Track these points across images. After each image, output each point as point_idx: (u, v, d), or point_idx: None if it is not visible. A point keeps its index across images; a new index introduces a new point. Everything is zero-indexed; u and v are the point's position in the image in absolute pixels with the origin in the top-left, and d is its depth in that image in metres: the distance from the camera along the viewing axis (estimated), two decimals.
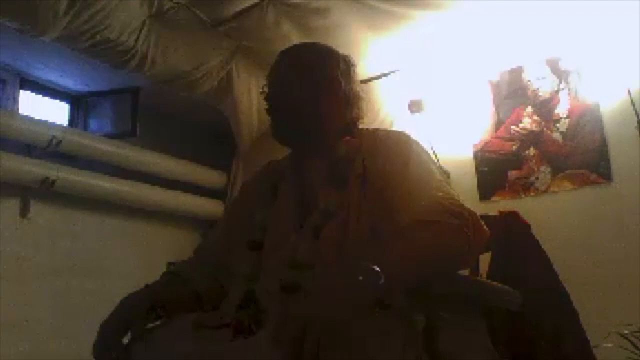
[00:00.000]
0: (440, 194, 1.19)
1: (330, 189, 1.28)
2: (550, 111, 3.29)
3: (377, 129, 1.45)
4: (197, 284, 1.35)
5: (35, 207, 3.18)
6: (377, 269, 1.01)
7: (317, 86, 1.35)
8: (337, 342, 0.94)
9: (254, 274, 1.26)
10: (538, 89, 3.34)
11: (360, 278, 1.00)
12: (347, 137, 1.36)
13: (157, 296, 1.27)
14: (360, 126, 1.42)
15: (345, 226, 1.21)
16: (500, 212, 1.60)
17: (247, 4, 3.00)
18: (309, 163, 1.37)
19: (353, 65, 1.42)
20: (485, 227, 1.19)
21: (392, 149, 1.30)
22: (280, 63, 1.40)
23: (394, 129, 3.34)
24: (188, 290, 1.34)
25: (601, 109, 3.13)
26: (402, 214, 1.18)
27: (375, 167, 1.27)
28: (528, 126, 3.35)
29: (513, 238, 1.55)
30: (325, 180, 1.30)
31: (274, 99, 1.37)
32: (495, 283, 1.27)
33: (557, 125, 3.26)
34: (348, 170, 1.28)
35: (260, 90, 1.40)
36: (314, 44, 1.48)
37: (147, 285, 1.30)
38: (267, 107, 1.37)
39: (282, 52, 1.42)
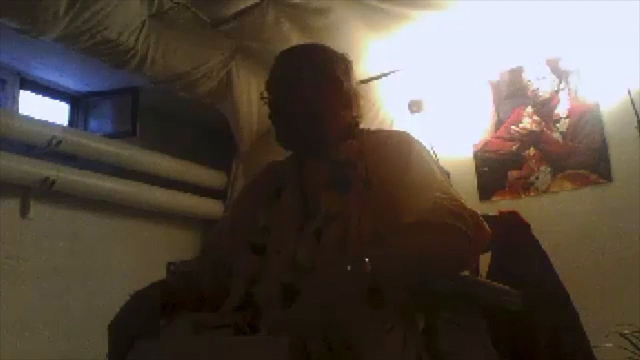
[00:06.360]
0: (442, 195, 1.19)
1: (333, 192, 1.27)
2: (550, 111, 3.29)
3: (379, 130, 1.44)
4: (201, 284, 1.35)
5: (35, 207, 3.18)
6: (366, 259, 1.03)
7: (319, 87, 1.34)
8: (337, 342, 0.94)
9: (255, 276, 1.26)
10: (538, 89, 3.34)
11: (349, 268, 1.03)
12: (349, 140, 1.35)
13: (166, 293, 1.26)
14: (361, 126, 1.42)
15: (346, 229, 1.21)
16: (501, 212, 1.60)
17: (247, 4, 3.01)
18: (311, 165, 1.37)
19: (351, 63, 1.41)
20: (487, 227, 1.19)
21: (394, 151, 1.30)
22: (280, 65, 1.39)
23: (394, 129, 3.34)
24: (192, 290, 1.34)
25: (601, 109, 3.13)
26: (404, 215, 1.18)
27: (378, 169, 1.26)
28: (528, 126, 3.35)
29: (513, 238, 1.55)
30: (328, 184, 1.29)
31: (276, 103, 1.36)
32: (495, 283, 1.27)
33: (557, 125, 3.26)
34: (351, 174, 1.28)
35: (260, 95, 1.39)
36: (312, 44, 1.47)
37: (153, 283, 1.30)
38: (269, 112, 1.36)
39: (281, 53, 1.41)
